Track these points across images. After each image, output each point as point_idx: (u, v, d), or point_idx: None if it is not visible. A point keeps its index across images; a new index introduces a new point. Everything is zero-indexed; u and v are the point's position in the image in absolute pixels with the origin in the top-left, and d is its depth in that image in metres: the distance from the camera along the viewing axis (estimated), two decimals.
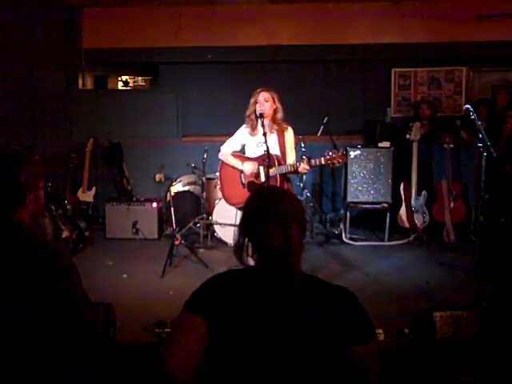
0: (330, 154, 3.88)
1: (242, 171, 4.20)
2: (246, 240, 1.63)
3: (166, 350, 1.58)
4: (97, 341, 1.87)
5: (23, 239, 1.79)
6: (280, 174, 3.99)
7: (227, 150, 4.30)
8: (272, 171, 3.98)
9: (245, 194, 4.10)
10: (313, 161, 3.93)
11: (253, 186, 4.13)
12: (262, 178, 4.05)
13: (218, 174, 4.47)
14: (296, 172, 4.02)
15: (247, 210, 1.67)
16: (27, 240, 1.79)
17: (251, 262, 1.64)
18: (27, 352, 1.73)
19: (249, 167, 4.13)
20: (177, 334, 1.61)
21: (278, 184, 3.95)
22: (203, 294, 1.62)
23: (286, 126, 4.18)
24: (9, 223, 1.81)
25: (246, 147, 4.30)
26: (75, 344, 1.79)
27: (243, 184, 4.17)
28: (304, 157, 4.03)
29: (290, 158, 4.15)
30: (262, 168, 4.06)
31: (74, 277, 1.81)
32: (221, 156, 4.34)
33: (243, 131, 4.26)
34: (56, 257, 1.78)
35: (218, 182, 4.45)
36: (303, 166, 3.91)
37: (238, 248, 1.64)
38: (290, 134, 4.19)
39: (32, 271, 1.71)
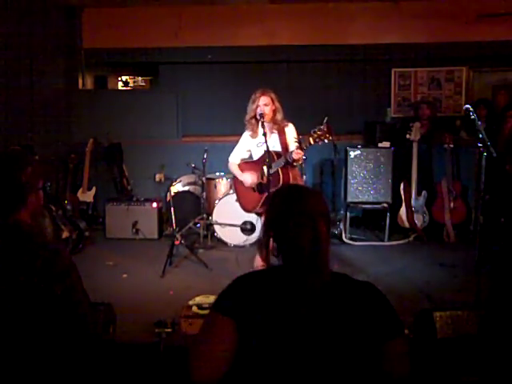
0: (316, 131, 3.86)
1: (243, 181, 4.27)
2: (271, 240, 1.61)
3: (195, 355, 1.56)
4: (97, 340, 1.87)
5: (23, 239, 1.79)
6: (281, 167, 3.98)
7: (234, 160, 4.34)
8: (272, 168, 4.02)
9: (256, 197, 4.16)
10: (303, 144, 3.93)
11: (261, 186, 4.15)
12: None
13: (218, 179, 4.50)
14: (293, 160, 4.01)
15: (272, 209, 1.65)
16: (27, 240, 1.79)
17: (275, 262, 1.62)
18: (28, 351, 1.73)
19: (247, 180, 4.18)
20: (205, 336, 1.58)
21: (281, 176, 3.95)
22: (231, 295, 1.60)
23: (286, 123, 4.19)
24: (9, 224, 1.82)
25: (252, 153, 4.33)
26: (76, 343, 1.79)
27: (253, 188, 4.22)
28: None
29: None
30: (265, 168, 4.09)
31: (75, 276, 1.82)
32: (229, 167, 4.40)
33: (245, 137, 4.28)
34: (56, 256, 1.78)
35: (219, 188, 4.49)
36: (296, 152, 3.91)
37: (264, 248, 1.62)
38: (290, 129, 4.21)
39: (33, 271, 1.71)
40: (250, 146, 4.28)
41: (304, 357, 1.50)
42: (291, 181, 4.02)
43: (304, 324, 1.51)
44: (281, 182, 3.93)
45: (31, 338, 1.73)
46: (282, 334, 1.51)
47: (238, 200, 4.41)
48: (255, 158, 4.28)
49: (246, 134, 4.27)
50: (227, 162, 4.43)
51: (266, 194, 4.04)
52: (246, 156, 4.35)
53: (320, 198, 1.65)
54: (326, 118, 6.43)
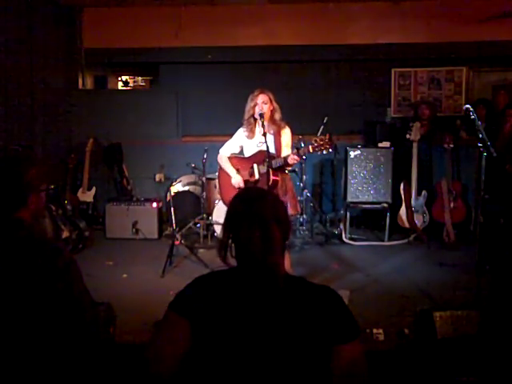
0: (317, 140, 3.87)
1: (237, 171, 4.24)
2: (230, 241, 1.65)
3: (151, 350, 1.61)
4: (98, 337, 1.88)
5: (24, 237, 1.80)
6: (272, 169, 3.97)
7: (225, 153, 4.32)
8: (262, 167, 4.02)
9: None
10: (301, 150, 3.93)
11: (248, 184, 4.14)
12: (256, 176, 4.08)
13: (217, 176, 4.48)
14: (287, 164, 4.01)
15: (229, 211, 1.69)
16: (28, 238, 1.80)
17: (235, 263, 1.65)
18: (29, 349, 1.73)
19: (237, 181, 4.18)
20: (161, 334, 1.64)
21: (271, 177, 3.94)
22: (187, 295, 1.64)
23: (283, 125, 4.19)
24: (10, 221, 1.83)
25: (243, 150, 4.32)
26: (77, 340, 1.79)
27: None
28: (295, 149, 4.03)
29: (285, 154, 4.15)
30: (255, 166, 4.08)
31: (75, 273, 1.83)
32: (219, 159, 4.37)
33: (241, 134, 4.27)
34: (57, 254, 1.79)
35: (217, 185, 4.47)
36: (292, 157, 3.91)
37: (222, 248, 1.65)
38: (286, 133, 4.20)
39: (34, 269, 1.72)
40: (243, 142, 4.27)
41: (256, 359, 1.52)
42: (280, 183, 4.02)
43: (256, 326, 1.54)
44: (270, 183, 3.91)
45: (32, 336, 1.73)
46: (234, 335, 1.54)
47: (221, 193, 4.39)
48: (246, 154, 4.27)
49: (241, 131, 4.27)
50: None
51: None
52: (237, 151, 4.35)
53: (275, 203, 1.67)
54: (325, 118, 6.45)
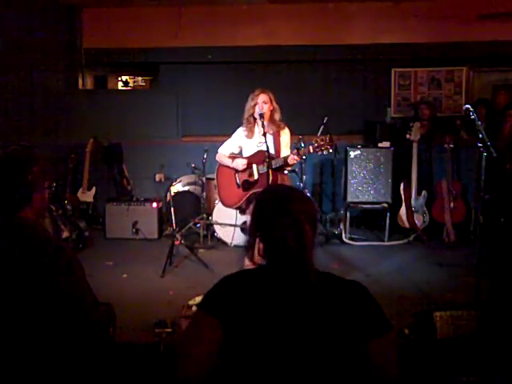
0: (318, 141, 3.87)
1: (236, 171, 4.22)
2: (257, 240, 1.62)
3: (181, 354, 1.58)
4: (102, 335, 1.88)
5: (29, 236, 1.81)
6: (272, 169, 3.96)
7: (224, 152, 4.31)
8: (262, 168, 4.01)
9: (240, 194, 4.12)
10: (301, 151, 3.93)
11: (247, 184, 4.13)
12: (256, 176, 4.07)
13: (215, 176, 4.47)
14: (286, 164, 4.01)
15: (260, 209, 1.66)
16: (32, 237, 1.81)
17: (262, 262, 1.64)
18: (32, 347, 1.73)
19: (238, 163, 4.13)
20: (191, 336, 1.60)
21: (271, 177, 3.93)
22: (217, 295, 1.61)
23: (283, 125, 4.19)
24: (14, 221, 1.84)
25: (243, 150, 4.31)
26: (79, 338, 1.79)
27: (238, 184, 4.18)
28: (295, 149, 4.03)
29: (284, 154, 4.15)
30: (254, 166, 4.08)
31: (79, 272, 1.84)
32: (217, 157, 4.36)
33: (240, 133, 4.27)
34: (61, 252, 1.80)
35: (216, 185, 4.46)
36: (292, 157, 3.91)
37: (250, 248, 1.64)
38: (285, 133, 4.20)
39: (39, 267, 1.72)
40: (242, 142, 4.27)
41: (291, 357, 1.51)
42: (279, 182, 4.02)
43: (290, 324, 1.52)
44: (270, 183, 3.91)
45: (35, 334, 1.73)
46: (268, 334, 1.52)
47: (219, 193, 4.38)
48: (245, 154, 4.26)
49: (241, 131, 4.26)
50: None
51: (251, 192, 4.04)
52: (236, 151, 4.34)
53: (306, 200, 1.67)
54: (325, 118, 6.44)
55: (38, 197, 1.91)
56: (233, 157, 4.26)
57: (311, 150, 3.88)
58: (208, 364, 1.54)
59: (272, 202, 1.64)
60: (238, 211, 4.40)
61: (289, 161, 3.92)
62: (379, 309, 1.60)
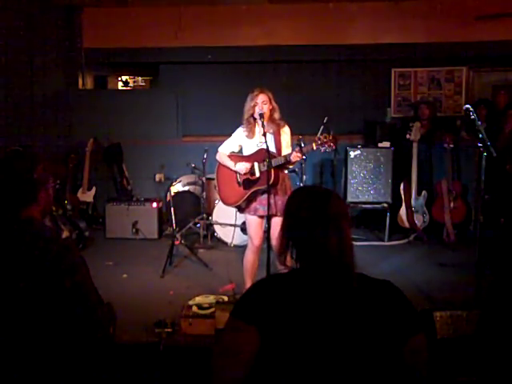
0: (321, 138, 3.87)
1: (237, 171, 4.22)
2: (290, 243, 1.59)
3: (218, 365, 1.52)
4: (106, 335, 1.88)
5: (35, 234, 1.81)
6: (273, 167, 3.95)
7: (224, 151, 4.30)
8: (263, 166, 4.01)
9: (241, 192, 4.11)
10: (304, 148, 3.92)
11: (248, 182, 4.13)
12: (257, 174, 4.07)
13: (215, 175, 4.46)
14: (289, 162, 4.01)
15: (294, 212, 1.61)
16: (39, 235, 1.82)
17: (294, 265, 1.60)
18: (36, 346, 1.74)
19: (241, 167, 4.13)
20: (228, 345, 1.54)
21: (272, 176, 3.92)
22: (251, 300, 1.56)
23: (283, 124, 4.19)
24: (20, 219, 1.84)
25: (243, 149, 4.30)
26: (84, 337, 1.79)
27: (239, 183, 4.17)
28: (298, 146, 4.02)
29: (285, 153, 4.14)
30: (256, 164, 4.07)
31: (84, 271, 1.84)
32: (217, 157, 4.35)
33: (240, 133, 4.25)
34: (66, 251, 1.81)
35: (216, 184, 4.44)
36: (295, 155, 3.91)
37: (283, 252, 1.59)
38: (286, 132, 4.20)
39: (44, 266, 1.73)
40: (242, 142, 4.26)
41: (332, 361, 1.48)
42: (280, 181, 4.01)
43: (331, 327, 1.49)
44: (271, 182, 3.90)
45: (39, 333, 1.74)
46: (309, 337, 1.48)
47: (219, 192, 4.35)
48: (246, 153, 4.25)
49: (241, 130, 4.25)
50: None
51: (252, 190, 4.03)
52: (237, 150, 4.33)
53: (340, 200, 1.63)
54: (325, 118, 6.45)
55: (43, 194, 1.92)
56: (235, 157, 4.26)
57: (314, 147, 3.88)
58: (244, 371, 1.50)
59: (308, 206, 1.58)
60: (236, 210, 4.38)
61: (291, 158, 3.92)
62: (412, 308, 1.59)
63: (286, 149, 4.16)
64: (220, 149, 4.34)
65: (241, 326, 1.51)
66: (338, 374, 1.48)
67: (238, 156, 4.29)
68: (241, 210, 4.20)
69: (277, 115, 4.15)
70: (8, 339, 1.73)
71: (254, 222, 4.10)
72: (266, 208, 3.90)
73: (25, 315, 1.73)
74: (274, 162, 3.97)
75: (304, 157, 5.22)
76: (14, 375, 1.72)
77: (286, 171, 4.24)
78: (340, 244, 1.53)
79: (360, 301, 1.53)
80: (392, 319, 1.52)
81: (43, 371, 1.75)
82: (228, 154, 4.30)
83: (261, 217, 4.07)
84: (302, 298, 1.52)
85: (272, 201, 3.92)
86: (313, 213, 1.55)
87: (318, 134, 6.15)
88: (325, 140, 3.85)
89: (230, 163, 4.22)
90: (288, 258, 1.61)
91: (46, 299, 1.73)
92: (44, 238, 1.81)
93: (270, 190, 3.88)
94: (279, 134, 4.15)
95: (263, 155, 3.98)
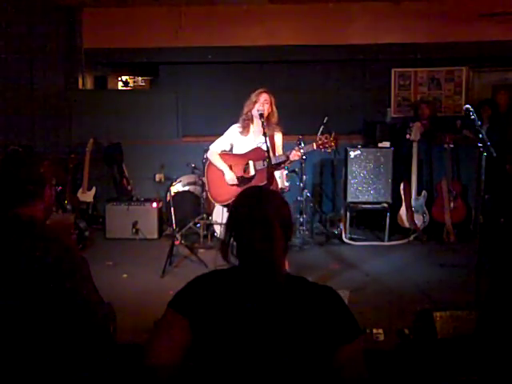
0: (322, 138, 3.88)
1: (230, 167, 4.19)
2: (232, 239, 1.65)
3: (149, 348, 1.60)
4: (108, 336, 1.88)
5: (36, 235, 1.80)
6: (271, 166, 3.94)
7: (216, 150, 4.27)
8: (259, 164, 4.00)
9: (233, 190, 4.09)
10: (304, 147, 3.93)
11: (243, 180, 4.12)
12: (252, 172, 4.07)
13: (205, 172, 4.41)
14: (288, 161, 4.01)
15: (233, 210, 1.70)
16: (40, 236, 1.81)
17: (236, 261, 1.66)
18: (37, 348, 1.73)
19: (230, 178, 4.15)
20: (160, 332, 1.63)
21: (268, 174, 3.91)
22: (187, 294, 1.64)
23: (278, 129, 4.19)
24: (20, 219, 1.83)
25: (234, 147, 4.28)
26: (85, 339, 1.79)
27: None
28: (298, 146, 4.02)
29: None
30: (251, 162, 4.07)
31: (85, 272, 1.83)
32: (209, 155, 4.32)
33: (234, 130, 4.24)
34: (67, 252, 1.80)
35: (205, 181, 4.40)
36: (295, 153, 3.92)
37: (224, 246, 1.66)
38: (278, 137, 4.21)
39: (45, 267, 1.72)
40: (235, 139, 4.24)
41: (256, 359, 1.52)
42: (275, 180, 4.01)
43: (257, 325, 1.53)
44: (265, 180, 3.90)
45: (40, 334, 1.73)
46: (235, 334, 1.54)
47: (209, 189, 4.32)
48: (238, 151, 4.23)
49: (235, 127, 4.24)
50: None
51: (245, 187, 4.03)
52: (227, 149, 4.31)
53: (280, 204, 1.67)
54: (325, 118, 6.44)
55: (48, 192, 1.92)
56: (228, 156, 4.24)
57: (314, 147, 3.90)
58: (173, 359, 1.56)
59: (246, 204, 1.66)
60: (225, 208, 4.35)
61: (291, 156, 3.93)
62: (349, 314, 1.61)
63: (281, 152, 4.17)
64: (212, 147, 4.30)
65: (173, 316, 1.60)
66: (262, 372, 1.51)
67: (231, 155, 4.26)
68: (229, 206, 4.18)
69: (274, 119, 4.16)
70: (8, 340, 1.72)
71: None
72: None
73: (25, 316, 1.72)
74: (274, 160, 3.97)
75: (304, 157, 5.25)
76: (14, 376, 1.72)
77: (286, 171, 4.25)
78: (267, 245, 1.57)
79: (288, 301, 1.57)
80: (322, 323, 1.54)
81: (43, 372, 1.74)
82: (219, 152, 4.28)
83: None
84: (232, 295, 1.58)
85: None
86: (247, 210, 1.63)
87: (319, 134, 6.17)
88: (325, 140, 3.86)
89: (221, 166, 4.21)
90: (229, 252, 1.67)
91: (47, 300, 1.73)
92: (45, 238, 1.81)
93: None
94: (273, 139, 4.16)
95: (260, 154, 3.98)
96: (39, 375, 1.74)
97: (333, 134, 3.92)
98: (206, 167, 4.36)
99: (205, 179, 4.41)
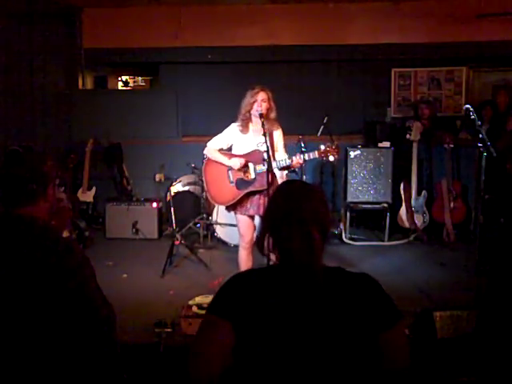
0: (324, 147, 3.89)
1: (229, 168, 4.12)
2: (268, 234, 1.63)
3: (193, 357, 1.55)
4: (111, 336, 1.87)
5: (38, 235, 1.80)
6: (267, 171, 3.91)
7: (213, 146, 4.21)
8: (259, 168, 3.99)
9: (233, 191, 4.06)
10: (307, 155, 3.94)
11: (242, 183, 4.09)
12: (252, 175, 4.05)
13: (202, 172, 4.36)
14: (289, 167, 4.01)
15: (272, 205, 1.67)
16: (42, 236, 1.80)
17: (273, 256, 1.64)
18: (41, 348, 1.73)
19: (235, 162, 4.07)
20: (203, 339, 1.57)
21: (269, 177, 3.89)
22: (227, 296, 1.59)
23: (277, 126, 4.18)
24: (23, 219, 1.82)
25: (234, 146, 4.23)
26: (89, 339, 1.78)
27: (231, 181, 4.12)
28: (300, 153, 4.03)
29: (281, 156, 4.13)
30: (251, 165, 4.05)
31: (88, 272, 1.83)
32: (206, 151, 4.24)
33: (233, 129, 4.19)
34: (69, 252, 1.79)
35: (204, 181, 4.35)
36: (297, 160, 3.92)
37: (260, 241, 1.63)
38: (279, 134, 4.19)
39: (47, 267, 1.72)
40: (235, 138, 4.19)
41: (303, 356, 1.50)
42: (274, 183, 3.99)
43: (301, 324, 1.52)
44: (265, 185, 3.87)
45: (44, 335, 1.73)
46: (280, 335, 1.51)
47: (208, 190, 4.24)
48: (237, 150, 4.20)
49: (234, 126, 4.19)
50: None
51: (247, 191, 4.01)
52: (225, 147, 4.26)
53: (318, 201, 1.64)
54: (325, 118, 6.44)
55: (51, 191, 1.91)
56: (225, 154, 4.20)
57: (317, 155, 3.93)
58: (220, 364, 1.52)
59: (284, 200, 1.63)
60: (225, 209, 4.31)
61: (293, 164, 3.95)
62: (388, 299, 1.60)
63: (281, 152, 4.15)
64: (209, 143, 4.24)
65: (215, 321, 1.55)
66: (309, 368, 1.50)
67: (229, 154, 4.22)
68: (229, 208, 4.17)
69: (273, 115, 4.13)
70: (12, 341, 1.72)
71: (244, 221, 4.09)
72: (255, 208, 3.95)
73: (28, 317, 1.72)
74: (275, 165, 3.96)
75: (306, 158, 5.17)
76: (17, 376, 1.71)
77: (286, 172, 4.24)
78: (304, 243, 1.55)
79: (328, 295, 1.55)
80: (362, 312, 1.53)
81: (47, 372, 1.74)
82: (217, 149, 4.23)
83: (251, 216, 4.07)
84: (273, 295, 1.55)
85: (263, 201, 3.93)
86: (284, 207, 1.60)
87: (318, 134, 6.18)
88: (328, 149, 3.88)
89: (221, 158, 4.14)
90: (266, 247, 1.64)
91: (50, 300, 1.72)
92: (47, 238, 1.80)
93: (265, 191, 3.86)
94: (272, 136, 4.15)
95: (259, 156, 3.96)
96: (42, 374, 1.73)
97: (335, 142, 3.95)
98: (203, 167, 4.31)
99: (203, 179, 4.36)
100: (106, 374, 1.81)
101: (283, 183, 1.82)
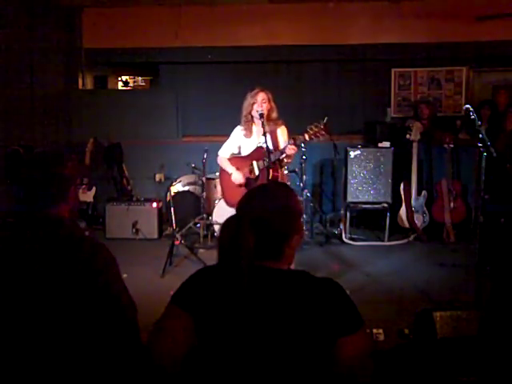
0: (312, 128, 3.88)
1: (237, 168, 4.23)
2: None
3: (153, 345, 1.62)
4: (138, 336, 1.87)
5: (65, 235, 1.80)
6: (271, 163, 3.94)
7: (224, 155, 4.32)
8: (262, 164, 4.03)
9: (243, 192, 4.11)
10: (298, 139, 3.93)
11: (249, 182, 4.15)
12: (256, 172, 4.09)
13: (218, 179, 4.48)
14: (285, 154, 4.01)
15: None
16: (70, 235, 1.80)
17: None
18: (69, 347, 1.72)
19: (236, 178, 4.17)
20: (163, 326, 1.65)
21: (271, 173, 3.92)
22: (190, 289, 1.65)
23: (280, 123, 4.19)
24: (50, 219, 1.82)
25: (241, 149, 4.30)
26: (116, 339, 1.78)
27: (241, 184, 4.19)
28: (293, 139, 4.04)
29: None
30: (254, 163, 4.09)
31: (115, 271, 1.84)
32: (218, 161, 4.38)
33: (238, 133, 4.25)
34: (98, 251, 1.80)
35: (219, 188, 4.47)
36: (290, 147, 3.92)
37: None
38: (283, 130, 4.21)
39: (76, 266, 1.72)
40: (241, 141, 4.25)
41: (258, 353, 1.52)
42: (279, 178, 4.01)
43: (256, 324, 1.53)
44: (270, 177, 3.91)
45: (72, 334, 1.72)
46: (233, 333, 1.54)
47: (223, 194, 4.38)
48: (244, 153, 4.26)
49: (239, 130, 4.25)
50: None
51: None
52: (236, 151, 4.33)
53: (271, 201, 1.64)
54: (325, 118, 6.44)
55: (72, 193, 1.91)
56: (235, 159, 4.29)
57: (307, 138, 3.90)
58: (180, 357, 1.56)
59: (243, 198, 1.69)
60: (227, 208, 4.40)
61: (286, 151, 3.92)
62: (351, 305, 1.58)
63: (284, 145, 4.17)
64: (220, 153, 4.34)
65: (177, 312, 1.62)
66: (262, 366, 1.51)
67: (237, 158, 4.29)
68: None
69: (274, 115, 4.16)
70: (42, 341, 1.71)
71: None
72: None
73: (57, 317, 1.71)
74: (272, 157, 3.98)
75: (304, 157, 5.25)
76: (45, 376, 1.71)
77: (286, 171, 4.25)
78: (233, 240, 1.59)
79: (288, 296, 1.55)
80: (321, 316, 1.52)
81: (75, 372, 1.73)
82: (228, 156, 4.31)
83: None
84: (229, 291, 1.58)
85: None
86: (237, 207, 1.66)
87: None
88: (316, 129, 3.87)
89: (229, 168, 4.25)
90: None
91: (79, 299, 1.71)
92: (75, 237, 1.80)
93: None
94: (276, 133, 4.16)
95: (261, 153, 3.99)
96: (67, 373, 1.73)
97: (323, 121, 3.91)
98: (219, 173, 4.44)
99: (217, 183, 4.46)
100: (130, 372, 1.80)
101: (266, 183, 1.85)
